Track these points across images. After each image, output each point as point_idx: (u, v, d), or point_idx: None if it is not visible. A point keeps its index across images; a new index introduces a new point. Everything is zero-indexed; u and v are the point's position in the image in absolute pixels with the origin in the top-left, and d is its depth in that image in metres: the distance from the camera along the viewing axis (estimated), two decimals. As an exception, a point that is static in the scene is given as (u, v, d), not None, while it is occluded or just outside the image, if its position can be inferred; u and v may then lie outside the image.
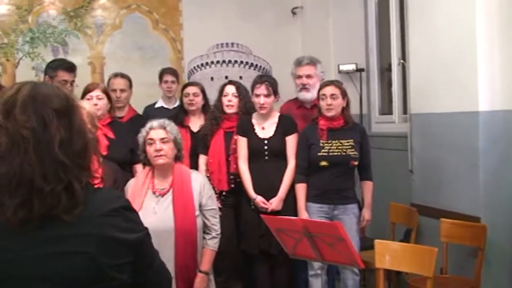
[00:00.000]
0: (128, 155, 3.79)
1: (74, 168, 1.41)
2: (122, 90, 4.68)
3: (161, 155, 3.27)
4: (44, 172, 1.36)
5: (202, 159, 4.39)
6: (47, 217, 1.37)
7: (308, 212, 3.96)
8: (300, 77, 4.45)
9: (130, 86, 4.84)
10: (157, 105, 5.29)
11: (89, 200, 1.43)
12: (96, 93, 3.89)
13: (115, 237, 1.43)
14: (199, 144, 4.43)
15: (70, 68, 4.49)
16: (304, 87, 4.40)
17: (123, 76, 4.82)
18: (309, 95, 4.42)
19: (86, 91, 3.96)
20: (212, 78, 6.24)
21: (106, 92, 3.95)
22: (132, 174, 3.78)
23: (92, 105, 3.51)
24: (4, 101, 1.41)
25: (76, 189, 1.40)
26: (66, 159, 1.39)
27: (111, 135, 3.77)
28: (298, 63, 4.51)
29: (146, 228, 1.56)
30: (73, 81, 4.46)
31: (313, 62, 4.49)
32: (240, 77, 6.13)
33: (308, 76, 4.43)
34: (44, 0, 5.74)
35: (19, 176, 1.35)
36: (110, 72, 5.45)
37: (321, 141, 3.95)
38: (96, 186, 1.51)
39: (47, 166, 1.37)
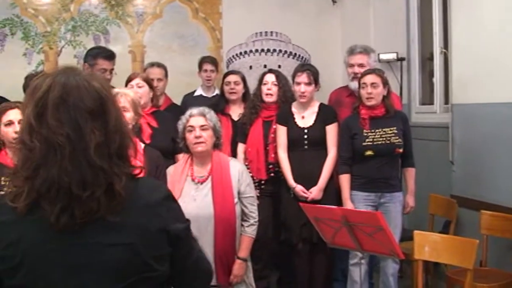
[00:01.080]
0: (170, 144, 3.81)
1: (113, 168, 1.39)
2: (159, 80, 4.72)
3: (200, 142, 3.29)
4: (82, 179, 1.35)
5: (240, 147, 4.40)
6: (91, 219, 1.37)
7: (354, 201, 3.95)
8: (352, 65, 4.40)
9: (166, 75, 4.87)
10: (196, 94, 5.32)
11: (132, 191, 1.42)
12: (136, 81, 3.92)
13: (157, 228, 1.43)
14: (238, 132, 4.45)
15: (110, 56, 4.51)
16: (355, 76, 4.34)
17: (159, 65, 4.86)
18: None
19: (127, 80, 4.00)
20: (250, 67, 6.25)
21: (146, 80, 3.96)
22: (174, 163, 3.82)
23: (135, 93, 3.54)
24: (35, 101, 1.38)
25: (117, 189, 1.38)
26: (104, 163, 1.37)
27: (154, 124, 3.80)
28: (351, 51, 4.46)
29: (187, 219, 1.56)
30: (112, 69, 4.49)
31: (366, 51, 4.43)
32: (279, 66, 6.12)
33: (360, 65, 4.36)
34: (87, -11, 5.82)
35: (57, 184, 1.34)
36: (150, 60, 5.51)
37: (365, 130, 3.92)
38: (137, 176, 1.49)
39: (84, 173, 1.35)
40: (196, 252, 1.60)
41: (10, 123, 2.91)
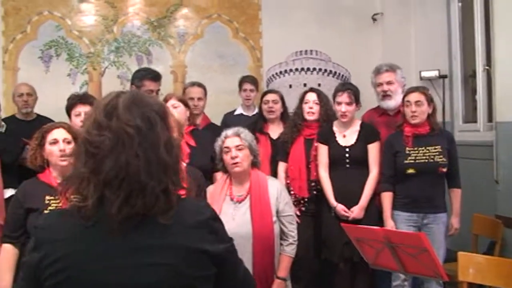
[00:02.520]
0: (208, 163, 3.84)
1: (172, 172, 1.44)
2: (199, 99, 4.77)
3: (237, 163, 3.30)
4: (149, 169, 1.39)
5: (281, 166, 4.38)
6: (145, 218, 1.40)
7: (396, 221, 3.89)
8: (380, 84, 4.38)
9: (205, 94, 4.92)
10: (236, 112, 5.36)
11: (180, 209, 1.45)
12: (172, 102, 3.95)
13: (202, 249, 1.44)
14: (278, 151, 4.44)
15: (155, 77, 4.58)
16: (385, 94, 4.32)
17: (199, 85, 4.91)
18: (392, 103, 4.33)
19: (163, 101, 4.04)
20: (290, 86, 6.26)
21: (182, 100, 3.99)
22: (211, 182, 3.83)
23: (180, 112, 3.58)
24: (104, 105, 1.44)
25: (171, 192, 1.43)
26: (170, 161, 1.42)
27: (192, 143, 3.83)
28: (377, 71, 4.44)
29: (231, 239, 1.56)
30: (158, 90, 4.57)
31: (392, 68, 4.41)
32: (319, 85, 6.11)
33: (389, 83, 4.34)
34: (129, 10, 5.95)
35: (125, 170, 1.38)
36: (191, 80, 5.57)
37: (407, 148, 3.88)
38: (182, 196, 1.52)
39: (152, 164, 1.39)
40: (242, 270, 1.60)
41: (55, 141, 2.97)
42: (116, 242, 1.40)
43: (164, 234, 1.41)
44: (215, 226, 1.51)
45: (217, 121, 5.21)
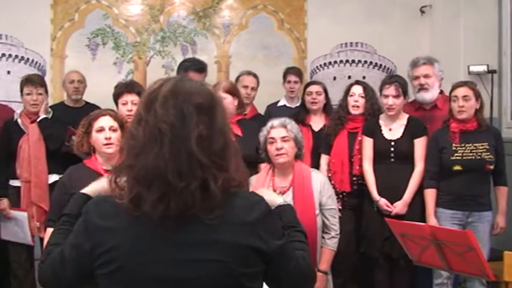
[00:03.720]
0: (254, 153, 3.82)
1: (211, 167, 1.39)
2: (252, 88, 4.82)
3: (281, 154, 3.28)
4: (178, 168, 1.36)
5: (324, 159, 4.35)
6: (187, 216, 1.38)
7: (439, 218, 3.83)
8: (417, 77, 4.30)
9: (258, 84, 4.95)
10: (279, 104, 5.34)
11: (229, 205, 1.41)
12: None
13: (252, 247, 1.42)
14: (321, 143, 4.41)
15: (201, 69, 4.59)
16: (422, 87, 4.25)
17: (254, 75, 4.95)
18: (429, 95, 4.26)
19: None
20: (334, 78, 6.20)
21: (228, 91, 3.98)
22: (257, 173, 3.82)
23: (227, 103, 3.58)
24: (147, 94, 1.44)
25: (212, 189, 1.38)
26: (203, 157, 1.37)
27: (238, 132, 3.82)
28: (414, 64, 4.36)
29: (284, 234, 1.53)
30: (203, 81, 4.58)
31: (430, 61, 4.32)
32: (364, 77, 6.02)
33: (426, 76, 4.26)
34: (175, 0, 5.97)
35: (153, 170, 1.36)
36: (235, 71, 5.60)
37: (454, 144, 3.81)
38: (236, 190, 1.47)
39: (182, 162, 1.36)
40: (294, 262, 1.56)
41: (101, 129, 3.01)
42: (163, 236, 1.39)
43: (211, 231, 1.39)
44: (269, 223, 1.47)
45: (259, 111, 5.20)
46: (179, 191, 1.36)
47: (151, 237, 1.40)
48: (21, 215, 4.18)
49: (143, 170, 1.37)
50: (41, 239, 4.26)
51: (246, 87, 4.77)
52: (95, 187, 1.78)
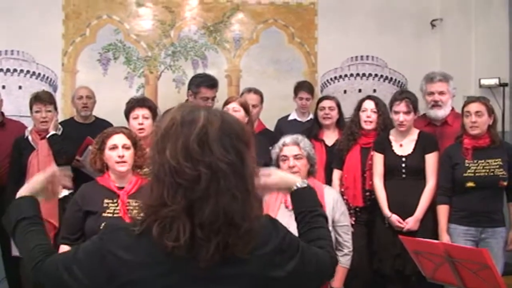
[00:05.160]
0: (263, 170, 3.83)
1: (255, 201, 1.40)
2: (254, 106, 4.77)
3: (294, 172, 3.27)
4: (244, 210, 1.35)
5: (336, 173, 4.34)
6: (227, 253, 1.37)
7: (452, 234, 3.81)
8: (431, 93, 4.29)
9: (262, 101, 4.95)
10: (290, 118, 5.34)
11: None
12: (233, 105, 3.98)
13: (274, 277, 1.43)
14: (333, 158, 4.39)
15: (212, 85, 4.60)
16: (436, 104, 4.24)
17: (256, 91, 4.94)
18: (441, 113, 4.26)
19: (224, 104, 4.07)
20: (345, 91, 6.19)
21: (243, 105, 4.01)
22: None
23: (239, 117, 3.59)
24: (196, 133, 1.36)
25: (256, 223, 1.39)
26: (255, 192, 1.39)
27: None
28: (429, 79, 4.34)
29: (298, 249, 1.51)
30: (214, 97, 4.59)
31: (445, 78, 4.32)
32: (374, 90, 6.03)
33: (441, 93, 4.26)
34: (186, 15, 5.99)
35: (223, 215, 1.33)
36: (245, 85, 5.59)
37: (466, 160, 3.79)
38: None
39: (246, 203, 1.36)
40: (314, 260, 1.56)
41: (114, 147, 3.03)
42: (198, 272, 1.38)
43: (241, 265, 1.39)
44: (285, 249, 1.47)
45: (270, 125, 5.21)
46: (241, 233, 1.35)
47: (184, 272, 1.38)
48: (31, 230, 4.19)
49: (213, 217, 1.33)
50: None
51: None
52: (30, 186, 1.75)
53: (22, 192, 1.73)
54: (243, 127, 1.44)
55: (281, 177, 1.83)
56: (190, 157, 1.34)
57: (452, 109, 4.38)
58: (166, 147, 1.37)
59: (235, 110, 3.92)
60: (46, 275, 1.50)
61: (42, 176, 1.78)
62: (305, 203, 1.74)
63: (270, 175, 1.80)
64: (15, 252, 4.27)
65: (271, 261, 1.43)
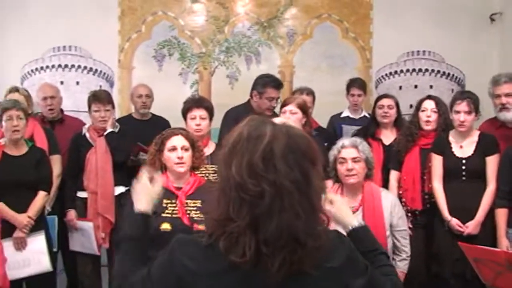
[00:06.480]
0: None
1: (322, 217, 1.41)
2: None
3: (352, 175, 3.24)
4: (309, 228, 1.36)
5: (393, 175, 4.23)
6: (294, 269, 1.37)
7: (511, 239, 3.69)
8: (498, 96, 4.12)
9: (313, 101, 4.95)
10: (343, 115, 5.29)
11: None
12: (290, 107, 3.93)
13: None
14: (391, 159, 4.31)
15: (278, 85, 4.66)
16: (504, 107, 4.09)
17: (308, 93, 4.95)
18: (510, 115, 4.08)
19: (282, 104, 4.05)
20: (400, 87, 6.08)
21: (300, 107, 3.96)
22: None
23: (295, 120, 3.60)
24: (262, 149, 1.37)
25: (324, 239, 1.39)
26: (321, 208, 1.40)
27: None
28: (495, 82, 4.17)
29: (367, 266, 1.51)
30: (279, 97, 4.64)
31: (511, 79, 4.17)
32: (431, 86, 5.92)
33: (508, 95, 4.08)
34: (240, 11, 6.00)
35: (287, 232, 1.34)
36: (298, 80, 5.59)
37: None
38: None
39: (310, 221, 1.36)
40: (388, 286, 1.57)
41: (173, 148, 3.07)
42: (262, 286, 1.39)
43: (309, 280, 1.39)
44: (352, 265, 1.47)
45: (322, 121, 5.17)
46: (307, 250, 1.35)
47: (251, 285, 1.40)
48: (87, 225, 4.29)
49: (277, 233, 1.34)
50: (107, 250, 4.38)
51: None
52: (149, 198, 1.86)
53: (142, 205, 1.84)
54: (309, 143, 1.43)
55: (340, 210, 1.83)
56: (254, 174, 1.35)
57: None
58: (232, 162, 1.39)
59: (293, 113, 3.89)
60: None
61: (157, 188, 1.94)
62: (364, 243, 1.74)
63: (332, 203, 1.82)
64: (72, 247, 4.39)
65: (339, 277, 1.43)
